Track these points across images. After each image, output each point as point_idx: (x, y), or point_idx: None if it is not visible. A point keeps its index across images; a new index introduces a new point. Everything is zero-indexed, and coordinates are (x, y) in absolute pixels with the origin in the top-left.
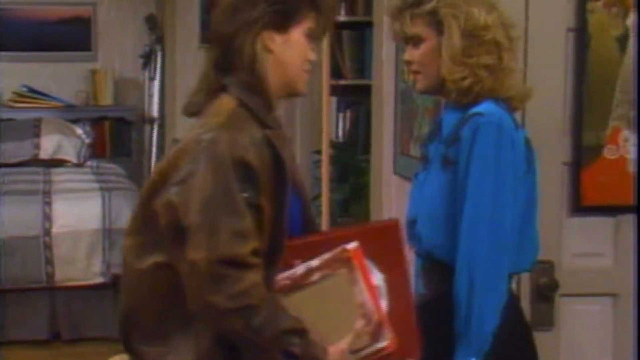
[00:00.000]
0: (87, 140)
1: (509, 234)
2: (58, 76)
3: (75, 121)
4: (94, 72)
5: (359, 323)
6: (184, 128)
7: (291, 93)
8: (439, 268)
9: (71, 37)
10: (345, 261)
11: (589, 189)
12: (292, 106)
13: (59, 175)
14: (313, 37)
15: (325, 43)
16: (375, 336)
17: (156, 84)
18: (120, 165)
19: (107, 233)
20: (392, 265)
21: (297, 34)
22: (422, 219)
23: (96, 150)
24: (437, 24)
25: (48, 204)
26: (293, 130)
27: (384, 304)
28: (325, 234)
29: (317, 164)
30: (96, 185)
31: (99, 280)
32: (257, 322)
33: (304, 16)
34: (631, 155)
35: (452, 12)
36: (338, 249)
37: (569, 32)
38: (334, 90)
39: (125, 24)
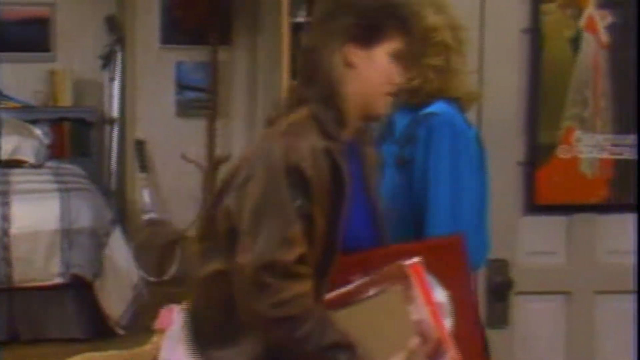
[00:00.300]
0: (46, 141)
1: (467, 230)
2: (17, 77)
3: (34, 122)
4: (53, 73)
5: (413, 341)
6: (144, 128)
7: (369, 112)
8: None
9: (30, 37)
10: (401, 277)
11: (543, 188)
12: (254, 105)
13: (17, 176)
14: (398, 58)
15: (284, 44)
16: (435, 355)
17: (116, 84)
18: (80, 166)
19: (66, 233)
20: (455, 282)
21: (381, 53)
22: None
23: (56, 151)
24: None
25: (6, 204)
26: (254, 129)
27: (447, 321)
28: (387, 249)
29: None
30: (55, 186)
31: (58, 280)
32: (300, 334)
33: (390, 36)
34: (584, 155)
35: None
36: (395, 265)
37: (523, 33)
38: None
39: (85, 25)
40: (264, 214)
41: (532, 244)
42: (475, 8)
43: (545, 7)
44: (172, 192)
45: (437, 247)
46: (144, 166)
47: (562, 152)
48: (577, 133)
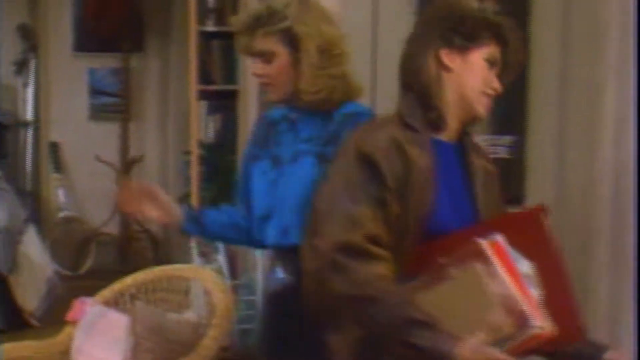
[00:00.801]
0: None
1: None
2: None
3: None
4: None
5: (494, 316)
6: (58, 131)
7: (470, 113)
8: (299, 254)
9: None
10: (479, 255)
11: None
12: (165, 109)
13: None
14: (493, 63)
15: (192, 51)
16: (522, 326)
17: (30, 89)
18: None
19: None
20: (541, 252)
21: (477, 57)
22: (289, 212)
23: None
24: (291, 41)
25: None
26: (165, 132)
27: (534, 291)
28: (469, 230)
29: (188, 163)
30: None
31: None
32: (377, 313)
33: (485, 43)
34: None
35: (307, 31)
36: (473, 243)
37: None
38: (205, 95)
39: None
40: (335, 198)
41: None
42: (368, 18)
43: None
44: (86, 191)
45: (518, 220)
46: (59, 167)
47: None
48: None
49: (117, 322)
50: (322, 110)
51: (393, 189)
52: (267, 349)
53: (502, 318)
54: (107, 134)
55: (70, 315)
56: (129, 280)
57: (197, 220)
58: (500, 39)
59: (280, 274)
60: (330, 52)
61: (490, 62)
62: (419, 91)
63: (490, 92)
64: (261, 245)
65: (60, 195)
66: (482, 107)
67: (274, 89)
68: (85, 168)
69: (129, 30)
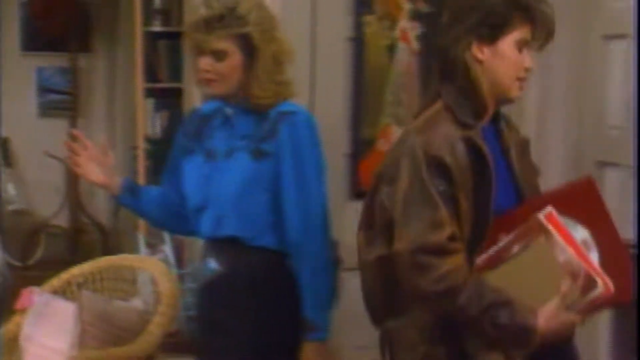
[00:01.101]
0: None
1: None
2: None
3: None
4: None
5: (565, 284)
6: (8, 128)
7: (503, 98)
8: (233, 246)
9: None
10: (539, 229)
11: (364, 177)
12: (113, 106)
13: None
14: (525, 46)
15: (138, 51)
16: (587, 288)
17: None
18: None
19: None
20: (595, 218)
21: (506, 45)
22: (224, 204)
23: None
24: (247, 45)
25: None
26: (114, 128)
27: (593, 255)
28: (525, 206)
29: (135, 158)
30: None
31: None
32: (462, 302)
33: (514, 27)
34: None
35: (264, 38)
36: (531, 219)
37: (348, 41)
38: (152, 93)
39: None
40: (412, 204)
41: (356, 225)
42: (307, 19)
43: (366, 18)
44: (36, 185)
45: (571, 190)
46: (9, 162)
47: (381, 145)
48: (394, 129)
49: (65, 310)
50: (259, 108)
51: (462, 185)
52: (199, 338)
53: (569, 284)
54: (56, 130)
55: (18, 304)
56: (76, 270)
57: (134, 194)
58: (528, 15)
59: (213, 264)
60: (280, 60)
61: (521, 44)
62: (460, 84)
63: (523, 75)
64: (192, 234)
65: (10, 189)
66: (515, 90)
67: (217, 85)
68: (35, 163)
69: (76, 30)
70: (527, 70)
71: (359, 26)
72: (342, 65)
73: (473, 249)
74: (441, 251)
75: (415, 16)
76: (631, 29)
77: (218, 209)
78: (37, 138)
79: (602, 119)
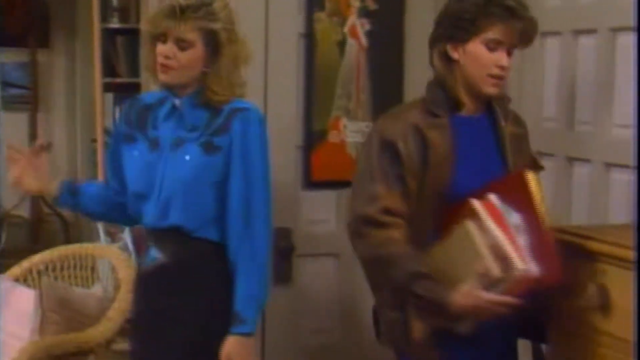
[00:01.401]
0: None
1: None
2: None
3: None
4: None
5: (479, 265)
6: None
7: (479, 94)
8: (176, 236)
9: None
10: (469, 213)
11: (316, 168)
12: (73, 100)
13: None
14: (499, 46)
15: (96, 46)
16: (508, 268)
17: None
18: None
19: None
20: (525, 205)
21: (476, 45)
22: (171, 194)
23: None
24: (212, 40)
25: None
26: (73, 121)
27: (523, 239)
28: (473, 193)
29: (95, 150)
30: None
31: None
32: (389, 270)
33: (482, 29)
34: (349, 139)
35: (230, 37)
36: (466, 204)
37: (300, 37)
38: (110, 87)
39: None
40: (359, 181)
41: (309, 214)
42: (261, 16)
43: (317, 15)
44: None
45: (508, 181)
46: None
47: (332, 137)
48: (344, 121)
49: (26, 297)
50: (212, 104)
51: (410, 169)
52: (141, 326)
53: (490, 265)
54: (16, 123)
55: None
56: (37, 257)
57: (73, 194)
58: (495, 20)
59: (155, 253)
60: (239, 61)
61: (493, 44)
62: (437, 81)
63: (495, 72)
64: (134, 222)
65: None
66: (488, 87)
67: (174, 73)
68: None
69: (35, 27)
70: (501, 68)
71: (310, 23)
72: (294, 60)
73: (419, 225)
74: (374, 222)
75: (364, 13)
76: (565, 27)
77: (163, 198)
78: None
79: (539, 112)
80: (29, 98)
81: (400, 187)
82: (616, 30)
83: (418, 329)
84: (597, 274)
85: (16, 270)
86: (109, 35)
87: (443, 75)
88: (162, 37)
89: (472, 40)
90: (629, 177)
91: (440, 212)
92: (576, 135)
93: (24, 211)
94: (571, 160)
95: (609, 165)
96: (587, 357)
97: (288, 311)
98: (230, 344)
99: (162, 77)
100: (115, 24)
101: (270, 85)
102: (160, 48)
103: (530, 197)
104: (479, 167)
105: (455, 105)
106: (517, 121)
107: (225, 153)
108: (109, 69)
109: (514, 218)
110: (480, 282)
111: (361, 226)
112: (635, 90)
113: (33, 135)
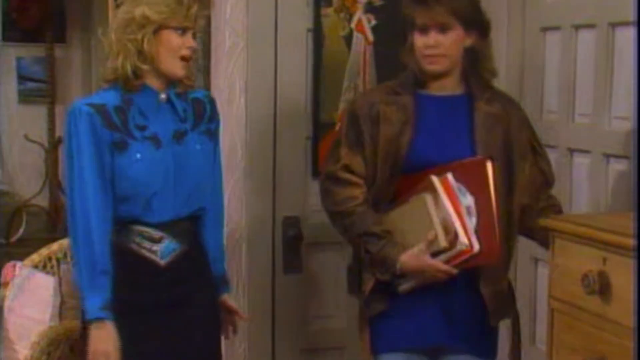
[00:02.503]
0: None
1: None
2: None
3: None
4: None
5: (431, 234)
6: None
7: (427, 73)
8: (192, 222)
9: None
10: (429, 187)
11: (324, 158)
12: (88, 93)
13: None
14: (424, 29)
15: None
16: (454, 242)
17: None
18: None
19: None
20: (479, 190)
21: (413, 32)
22: (193, 182)
23: None
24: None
25: None
26: None
27: (472, 219)
28: (435, 169)
29: None
30: None
31: None
32: (347, 225)
33: (415, 17)
34: None
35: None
36: (427, 178)
37: (308, 32)
38: None
39: None
40: (332, 148)
41: (318, 203)
42: (270, 12)
43: (325, 10)
44: (18, 168)
45: (468, 164)
46: None
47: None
48: None
49: (45, 283)
50: (182, 93)
51: (368, 138)
52: (157, 313)
53: (439, 235)
54: (35, 116)
55: (2, 278)
56: (55, 245)
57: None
58: (420, 8)
59: (172, 245)
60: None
61: (420, 29)
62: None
63: (427, 52)
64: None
65: None
66: (426, 65)
67: (189, 64)
68: (16, 147)
69: (52, 22)
70: (430, 47)
71: (317, 18)
72: (302, 54)
73: (373, 186)
74: (336, 178)
75: (370, 9)
76: (565, 22)
77: (185, 188)
78: (18, 123)
79: (540, 105)
80: (46, 91)
81: (360, 151)
82: (615, 24)
83: (368, 281)
84: (597, 261)
85: (35, 257)
86: None
87: (405, 59)
88: (190, 26)
89: (413, 28)
90: (627, 167)
91: (397, 180)
92: (576, 127)
93: (43, 200)
94: (571, 151)
95: (608, 156)
96: (589, 344)
97: (296, 298)
98: (230, 302)
99: (188, 68)
100: None
101: (279, 78)
102: (192, 42)
103: (485, 184)
104: (443, 143)
105: (419, 84)
106: (499, 101)
107: (215, 137)
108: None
109: (467, 199)
110: (427, 248)
111: (326, 183)
112: (636, 84)
113: (51, 128)
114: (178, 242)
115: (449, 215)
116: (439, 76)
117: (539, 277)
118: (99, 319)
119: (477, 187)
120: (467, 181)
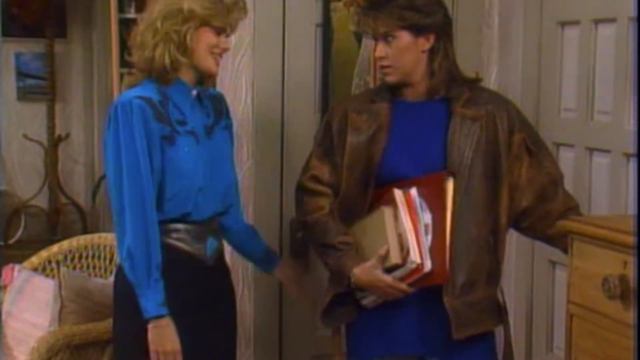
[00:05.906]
0: None
1: None
2: None
3: None
4: None
5: (383, 249)
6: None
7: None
8: (219, 219)
9: None
10: (390, 201)
11: None
12: (90, 91)
13: None
14: (373, 39)
15: (113, 37)
16: (406, 259)
17: None
18: None
19: None
20: (438, 208)
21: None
22: (229, 177)
23: None
24: None
25: None
26: (91, 112)
27: (428, 237)
28: (403, 182)
29: None
30: None
31: None
32: (311, 236)
33: (363, 29)
34: None
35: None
36: (390, 192)
37: (317, 27)
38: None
39: None
40: (308, 155)
41: None
42: (279, 7)
43: (334, 5)
44: (16, 167)
45: (429, 179)
46: None
47: None
48: None
49: (45, 287)
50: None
51: (338, 146)
52: (210, 313)
53: (392, 251)
54: (34, 113)
55: (1, 281)
56: (55, 248)
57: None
58: (363, 11)
59: (214, 243)
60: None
61: (372, 38)
62: None
63: (379, 63)
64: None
65: None
66: (385, 77)
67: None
68: (15, 145)
69: (52, 17)
70: (378, 58)
71: (327, 12)
72: (312, 50)
73: (344, 198)
74: (304, 189)
75: None
76: (584, 17)
77: (224, 184)
78: (17, 122)
79: (558, 102)
80: (46, 88)
81: (330, 160)
82: (635, 19)
83: (328, 292)
84: (618, 264)
85: (35, 260)
86: (126, 26)
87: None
88: (231, 28)
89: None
90: None
91: (369, 189)
92: (595, 125)
93: (42, 201)
94: (591, 150)
95: (629, 156)
96: (609, 350)
97: (304, 302)
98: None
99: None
100: (132, 14)
101: (287, 75)
102: (228, 43)
103: (443, 202)
104: (415, 152)
105: (394, 92)
106: (480, 102)
107: (232, 133)
108: (126, 60)
109: (426, 217)
110: (379, 263)
111: (296, 193)
112: (636, 89)
113: (50, 126)
114: (216, 238)
115: (405, 231)
116: (403, 85)
117: (557, 281)
118: (160, 317)
119: (436, 204)
120: (428, 197)
